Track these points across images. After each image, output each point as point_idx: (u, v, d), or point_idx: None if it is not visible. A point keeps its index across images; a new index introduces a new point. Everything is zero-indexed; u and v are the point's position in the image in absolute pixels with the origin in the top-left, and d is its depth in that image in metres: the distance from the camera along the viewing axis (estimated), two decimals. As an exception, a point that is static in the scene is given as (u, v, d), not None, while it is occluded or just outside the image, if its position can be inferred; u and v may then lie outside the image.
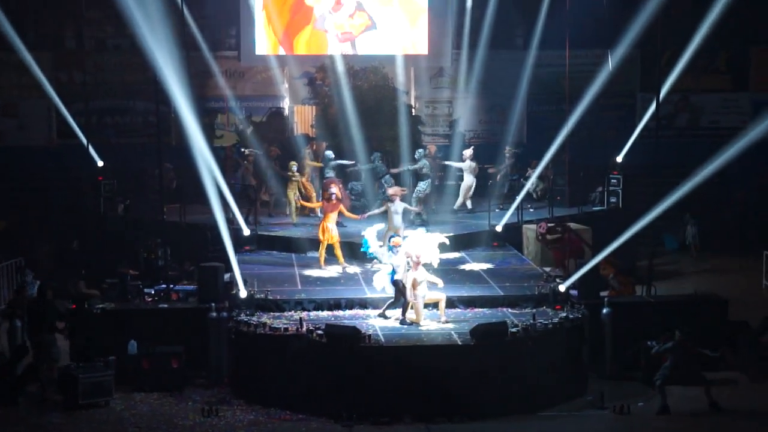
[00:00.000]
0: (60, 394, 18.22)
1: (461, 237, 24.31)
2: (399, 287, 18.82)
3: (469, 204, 27.24)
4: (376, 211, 23.11)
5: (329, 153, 26.12)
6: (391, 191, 22.86)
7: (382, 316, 19.01)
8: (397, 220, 22.10)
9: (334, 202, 22.06)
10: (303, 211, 25.89)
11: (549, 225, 23.18)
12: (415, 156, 25.80)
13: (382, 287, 19.34)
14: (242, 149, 26.83)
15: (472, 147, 27.85)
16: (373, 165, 26.40)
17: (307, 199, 25.57)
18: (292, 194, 25.55)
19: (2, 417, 17.39)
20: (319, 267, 22.17)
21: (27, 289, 20.99)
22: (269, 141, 28.45)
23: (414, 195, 25.28)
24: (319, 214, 23.64)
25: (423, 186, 25.33)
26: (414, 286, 18.47)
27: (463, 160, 27.17)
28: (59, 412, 17.76)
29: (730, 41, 33.01)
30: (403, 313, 18.70)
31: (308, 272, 21.85)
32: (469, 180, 27.12)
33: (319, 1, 31.17)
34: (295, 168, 25.64)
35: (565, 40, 28.36)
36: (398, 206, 22.25)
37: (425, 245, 18.80)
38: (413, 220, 24.36)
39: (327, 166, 25.88)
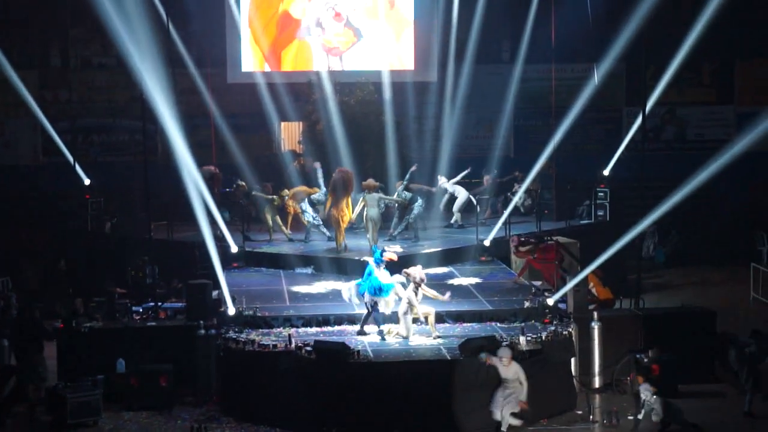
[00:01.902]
0: (48, 413, 18.15)
1: (449, 252, 24.34)
2: (367, 300, 18.82)
3: (459, 219, 27.25)
4: (357, 208, 23.77)
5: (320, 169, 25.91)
6: (364, 183, 23.90)
7: (362, 333, 18.94)
8: (373, 212, 23.53)
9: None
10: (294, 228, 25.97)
11: (520, 239, 23.11)
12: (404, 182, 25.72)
13: (348, 297, 19.29)
14: (237, 181, 26.72)
15: (443, 174, 27.77)
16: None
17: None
18: (269, 216, 25.62)
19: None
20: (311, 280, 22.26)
21: (13, 309, 20.88)
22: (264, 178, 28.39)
23: (412, 218, 25.31)
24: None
25: (416, 209, 25.32)
26: (413, 304, 18.48)
27: (438, 184, 27.19)
28: (48, 431, 17.67)
29: (714, 55, 33.17)
30: (362, 325, 18.85)
31: (296, 288, 21.82)
32: (462, 196, 27.11)
33: (305, 15, 31.15)
34: (285, 195, 25.66)
35: (552, 54, 28.50)
36: (373, 198, 23.55)
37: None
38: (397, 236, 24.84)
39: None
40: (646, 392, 17.41)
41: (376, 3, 31.15)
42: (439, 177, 27.55)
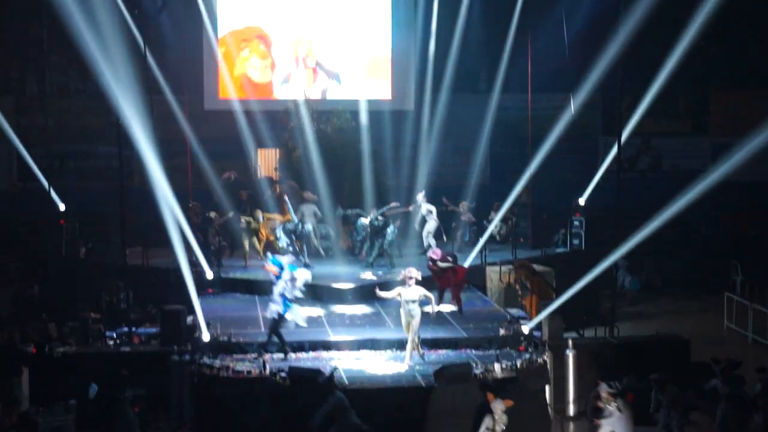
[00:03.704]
0: (20, 439, 18.03)
1: (425, 279, 24.20)
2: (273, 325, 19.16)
3: (433, 245, 27.31)
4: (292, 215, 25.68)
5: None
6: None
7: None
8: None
9: None
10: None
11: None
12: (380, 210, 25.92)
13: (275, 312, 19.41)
14: (208, 214, 26.67)
15: (423, 190, 27.90)
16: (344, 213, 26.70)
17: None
18: (247, 242, 25.69)
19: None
20: None
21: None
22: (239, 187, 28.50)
23: (386, 245, 25.42)
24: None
25: (389, 236, 25.44)
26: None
27: (417, 201, 27.32)
28: (19, 457, 17.57)
29: (689, 86, 33.44)
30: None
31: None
32: (431, 223, 27.20)
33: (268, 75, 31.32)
34: (260, 217, 25.79)
35: (528, 84, 28.67)
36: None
37: None
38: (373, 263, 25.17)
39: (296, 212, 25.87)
40: None
41: (353, 31, 31.22)
42: (417, 194, 27.64)
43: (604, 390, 16.83)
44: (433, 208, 27.24)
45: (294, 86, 31.03)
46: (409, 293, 18.76)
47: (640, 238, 20.85)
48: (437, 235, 27.66)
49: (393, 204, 25.92)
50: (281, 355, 19.12)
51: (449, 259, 22.44)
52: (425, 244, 27.18)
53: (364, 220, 25.80)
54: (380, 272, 24.82)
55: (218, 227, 26.04)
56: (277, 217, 26.61)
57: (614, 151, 23.97)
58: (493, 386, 17.03)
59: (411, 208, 27.24)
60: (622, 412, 16.61)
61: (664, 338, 21.27)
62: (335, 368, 17.85)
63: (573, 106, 28.66)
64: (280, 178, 28.89)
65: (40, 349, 19.61)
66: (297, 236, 25.46)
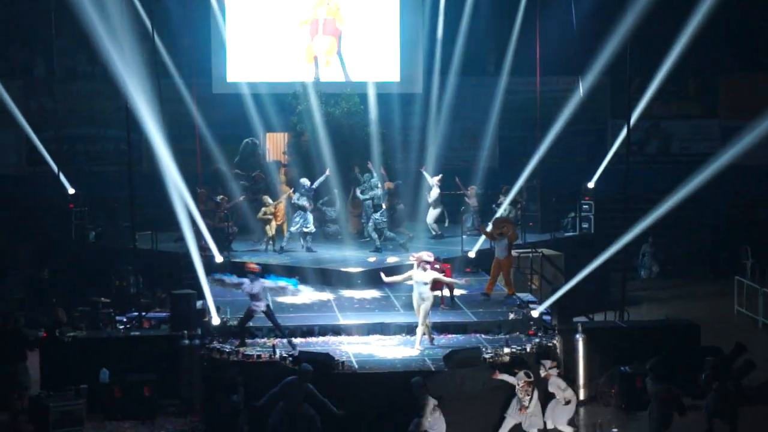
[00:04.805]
0: (31, 422, 18.05)
1: (434, 263, 24.33)
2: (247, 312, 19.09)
3: (437, 229, 27.39)
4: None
5: (304, 181, 26.03)
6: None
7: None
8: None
9: None
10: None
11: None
12: (363, 182, 26.03)
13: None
14: (216, 198, 26.68)
15: (440, 175, 27.89)
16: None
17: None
18: (267, 226, 25.75)
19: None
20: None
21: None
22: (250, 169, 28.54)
23: (370, 226, 25.51)
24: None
25: (378, 217, 25.49)
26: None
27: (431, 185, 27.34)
28: (31, 441, 17.63)
29: (699, 68, 33.30)
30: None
31: (281, 299, 21.63)
32: (437, 209, 27.29)
33: (291, 24, 31.01)
34: (269, 201, 25.82)
35: (536, 67, 28.58)
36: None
37: None
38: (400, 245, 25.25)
39: (303, 195, 25.79)
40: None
41: (361, 14, 31.09)
42: (424, 171, 27.68)
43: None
44: (438, 191, 27.26)
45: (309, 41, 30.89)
46: (422, 276, 18.75)
47: (649, 223, 20.78)
48: (440, 220, 27.68)
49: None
50: (291, 340, 19.09)
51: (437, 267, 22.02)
52: (430, 229, 27.29)
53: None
54: (389, 256, 24.79)
55: (227, 211, 26.02)
56: (284, 190, 26.72)
57: (623, 134, 23.94)
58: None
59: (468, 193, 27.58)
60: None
61: (674, 323, 21.25)
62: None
63: (582, 89, 28.55)
64: (288, 162, 28.87)
65: (50, 333, 19.65)
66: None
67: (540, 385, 17.49)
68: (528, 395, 17.17)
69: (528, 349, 18.55)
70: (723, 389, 16.94)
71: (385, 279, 19.56)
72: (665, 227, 23.59)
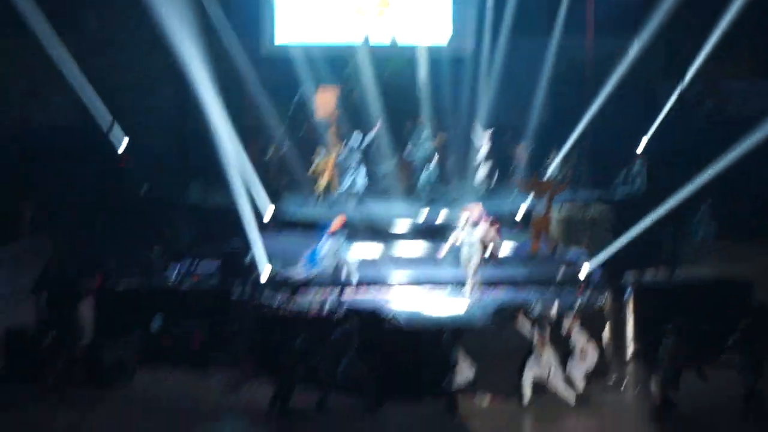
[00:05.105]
0: (84, 370, 18.33)
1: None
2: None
3: (488, 185, 27.39)
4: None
5: (356, 136, 25.94)
6: None
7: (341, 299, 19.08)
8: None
9: None
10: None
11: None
12: (414, 138, 26.00)
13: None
14: (267, 150, 26.78)
15: (491, 129, 27.81)
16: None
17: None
18: (319, 179, 25.80)
19: (27, 393, 17.49)
20: None
21: (54, 265, 21.01)
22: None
23: (421, 181, 25.51)
24: None
25: (428, 173, 25.46)
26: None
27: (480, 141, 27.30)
28: (83, 388, 17.88)
29: (755, 27, 32.76)
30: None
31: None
32: (485, 166, 27.27)
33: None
34: (321, 154, 25.86)
35: (589, 26, 28.30)
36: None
37: None
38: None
39: (355, 151, 25.78)
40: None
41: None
42: (475, 129, 27.70)
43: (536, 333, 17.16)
44: (486, 150, 27.20)
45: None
46: (471, 232, 18.72)
47: (703, 182, 20.61)
48: (489, 177, 27.61)
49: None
50: (340, 293, 19.19)
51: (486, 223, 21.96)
52: (479, 186, 27.30)
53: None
54: (437, 211, 24.80)
55: (277, 164, 26.06)
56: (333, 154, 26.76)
57: (677, 93, 23.74)
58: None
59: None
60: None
61: (725, 281, 21.07)
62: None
63: (635, 48, 28.24)
64: (337, 119, 28.88)
65: (103, 283, 19.88)
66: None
67: (559, 339, 17.41)
68: (544, 350, 17.10)
69: (577, 306, 18.50)
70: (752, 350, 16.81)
71: (442, 252, 19.53)
72: (723, 187, 23.28)
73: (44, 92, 32.61)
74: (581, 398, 17.28)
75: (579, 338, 17.36)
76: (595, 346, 17.55)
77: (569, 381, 17.24)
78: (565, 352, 17.35)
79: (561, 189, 22.95)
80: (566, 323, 17.41)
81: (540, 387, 17.23)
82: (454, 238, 19.17)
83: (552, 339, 17.17)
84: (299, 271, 19.55)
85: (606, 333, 18.90)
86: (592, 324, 18.32)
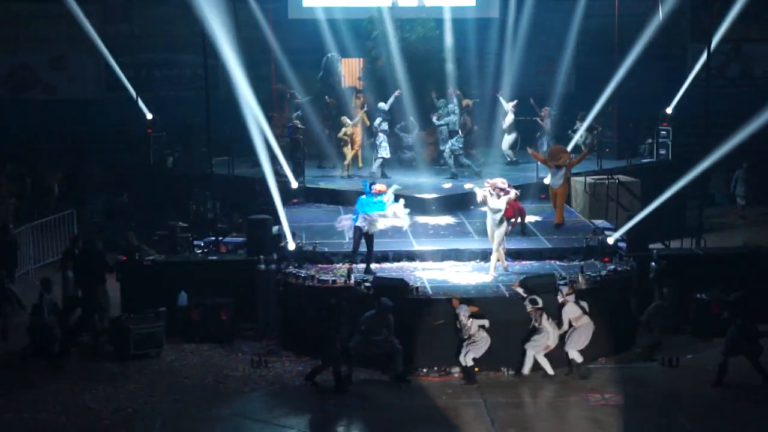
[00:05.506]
0: (111, 344, 18.51)
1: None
2: (357, 235, 18.87)
3: (512, 155, 27.32)
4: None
5: (382, 105, 25.77)
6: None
7: (368, 271, 18.90)
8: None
9: None
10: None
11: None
12: (440, 108, 25.84)
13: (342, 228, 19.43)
14: (291, 123, 26.68)
15: (516, 100, 27.68)
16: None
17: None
18: (345, 148, 25.76)
19: (55, 366, 17.66)
20: None
21: (79, 241, 21.14)
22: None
23: (446, 152, 25.44)
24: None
25: (454, 143, 25.40)
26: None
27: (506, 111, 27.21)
28: (111, 362, 18.04)
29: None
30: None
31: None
32: (512, 135, 27.20)
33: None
34: (348, 122, 25.80)
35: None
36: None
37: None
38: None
39: (383, 120, 25.64)
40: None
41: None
42: (500, 97, 27.62)
43: (463, 311, 17.03)
44: (513, 117, 27.13)
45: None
46: (495, 203, 18.67)
47: (729, 148, 20.46)
48: (514, 146, 27.56)
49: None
50: (368, 267, 19.13)
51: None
52: (504, 155, 27.25)
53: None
54: (465, 182, 24.71)
55: (301, 136, 26.00)
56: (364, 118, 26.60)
57: (703, 57, 23.52)
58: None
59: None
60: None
61: (752, 250, 20.99)
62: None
63: (661, 12, 27.98)
64: (363, 88, 28.77)
65: (130, 257, 20.01)
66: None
67: (553, 311, 17.32)
68: (537, 322, 17.12)
69: (603, 276, 18.46)
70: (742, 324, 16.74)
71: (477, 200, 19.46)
72: (758, 153, 23.06)
73: (69, 63, 32.74)
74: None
75: (573, 311, 17.30)
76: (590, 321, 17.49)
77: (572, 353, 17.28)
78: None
79: (582, 158, 22.79)
80: (561, 297, 17.35)
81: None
82: (481, 195, 18.95)
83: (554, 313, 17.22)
84: (344, 224, 19.34)
85: (631, 303, 18.90)
86: (616, 293, 18.35)
